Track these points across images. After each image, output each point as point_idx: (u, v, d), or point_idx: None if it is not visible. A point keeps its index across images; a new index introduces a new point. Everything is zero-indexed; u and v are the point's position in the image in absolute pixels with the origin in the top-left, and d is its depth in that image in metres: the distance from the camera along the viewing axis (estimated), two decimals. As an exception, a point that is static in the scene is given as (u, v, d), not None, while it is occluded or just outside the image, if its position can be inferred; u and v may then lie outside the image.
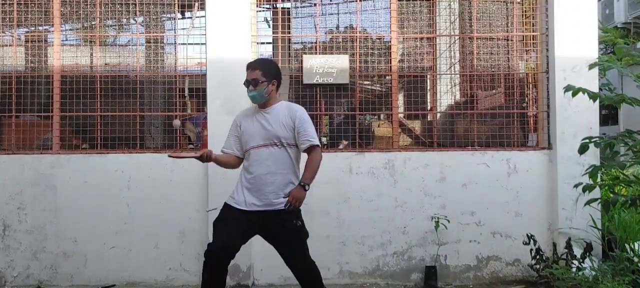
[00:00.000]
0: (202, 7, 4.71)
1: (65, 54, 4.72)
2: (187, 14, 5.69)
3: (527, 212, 4.45)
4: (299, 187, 3.13)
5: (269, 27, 5.63)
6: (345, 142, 4.77)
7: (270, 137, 3.18)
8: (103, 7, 4.69)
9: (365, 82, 5.09)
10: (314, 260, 4.62)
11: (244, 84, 3.24)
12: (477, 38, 4.76)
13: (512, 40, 4.81)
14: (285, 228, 3.18)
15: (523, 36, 4.77)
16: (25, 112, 4.70)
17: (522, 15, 4.81)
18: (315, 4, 4.91)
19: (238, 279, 4.35)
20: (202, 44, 4.56)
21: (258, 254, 4.44)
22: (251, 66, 3.27)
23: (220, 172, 4.34)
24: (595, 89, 4.14)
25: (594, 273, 3.86)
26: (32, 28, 4.76)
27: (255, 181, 3.17)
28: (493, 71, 4.81)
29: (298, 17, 5.17)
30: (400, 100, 4.82)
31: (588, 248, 4.09)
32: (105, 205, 4.44)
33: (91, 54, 4.85)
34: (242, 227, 3.16)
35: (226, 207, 3.23)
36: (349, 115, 4.80)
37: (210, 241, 3.17)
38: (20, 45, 4.87)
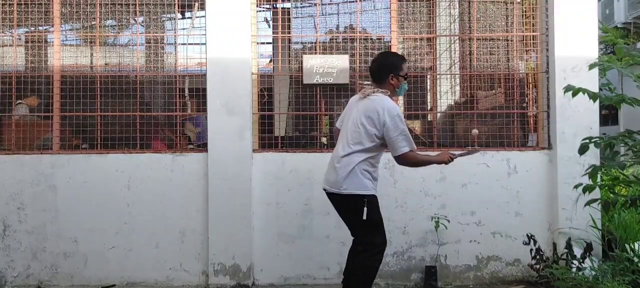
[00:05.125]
0: (202, 7, 4.71)
1: (65, 54, 4.72)
2: (187, 14, 5.68)
3: (527, 212, 4.46)
4: None
5: (269, 27, 5.64)
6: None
7: None
8: (103, 7, 4.69)
9: (366, 82, 5.09)
10: (314, 259, 4.64)
11: (405, 77, 3.44)
12: (477, 38, 4.76)
13: (512, 41, 4.81)
14: None
15: (523, 36, 4.77)
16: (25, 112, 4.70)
17: (522, 15, 4.81)
18: (315, 4, 4.91)
19: (238, 279, 4.35)
20: (202, 44, 4.56)
21: (258, 254, 4.45)
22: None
23: (220, 172, 4.37)
24: (595, 89, 4.14)
25: (594, 273, 3.86)
26: (32, 28, 4.76)
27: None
28: (493, 71, 4.82)
29: (298, 17, 5.17)
30: (400, 100, 4.81)
31: (588, 248, 4.09)
32: (105, 205, 4.44)
33: (91, 54, 4.85)
34: None
35: (376, 198, 3.38)
36: (349, 115, 4.79)
37: (384, 235, 3.39)
38: (20, 45, 4.87)
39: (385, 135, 3.25)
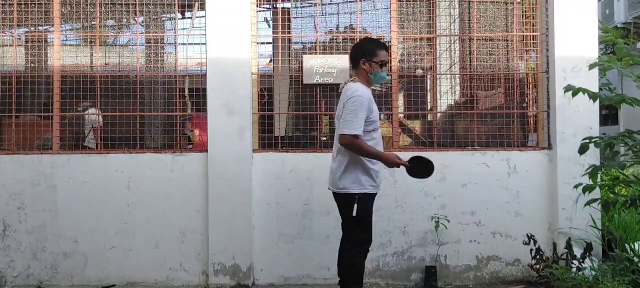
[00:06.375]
0: (202, 7, 4.71)
1: (65, 54, 4.72)
2: (187, 14, 5.68)
3: (527, 212, 4.46)
4: None
5: (269, 27, 5.63)
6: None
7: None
8: (103, 7, 4.69)
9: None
10: (314, 259, 4.63)
11: (382, 64, 3.36)
12: (477, 38, 4.76)
13: (512, 41, 4.81)
14: None
15: (523, 36, 4.77)
16: (25, 112, 4.70)
17: (522, 15, 4.81)
18: (315, 4, 4.91)
19: (238, 279, 4.35)
20: (202, 44, 4.56)
21: (258, 254, 4.45)
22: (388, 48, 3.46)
23: (220, 172, 4.37)
24: (595, 89, 4.14)
25: (594, 273, 3.86)
26: (32, 28, 4.76)
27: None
28: (493, 71, 4.82)
29: (298, 17, 5.17)
30: (400, 100, 4.81)
31: (588, 248, 4.09)
32: (105, 205, 4.44)
33: (91, 54, 4.85)
34: None
35: (372, 196, 3.35)
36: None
37: (369, 233, 3.39)
38: (20, 45, 4.87)
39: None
